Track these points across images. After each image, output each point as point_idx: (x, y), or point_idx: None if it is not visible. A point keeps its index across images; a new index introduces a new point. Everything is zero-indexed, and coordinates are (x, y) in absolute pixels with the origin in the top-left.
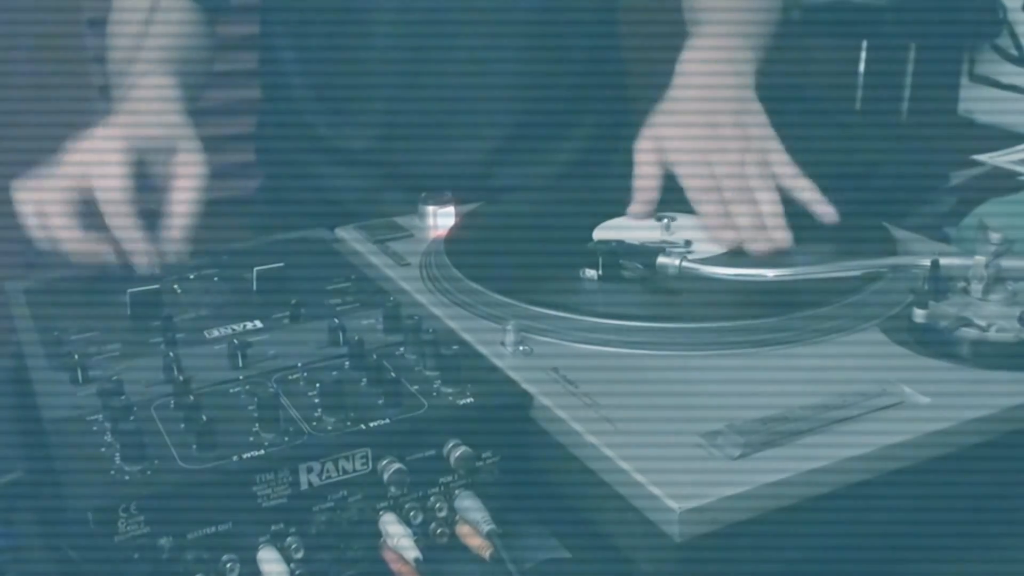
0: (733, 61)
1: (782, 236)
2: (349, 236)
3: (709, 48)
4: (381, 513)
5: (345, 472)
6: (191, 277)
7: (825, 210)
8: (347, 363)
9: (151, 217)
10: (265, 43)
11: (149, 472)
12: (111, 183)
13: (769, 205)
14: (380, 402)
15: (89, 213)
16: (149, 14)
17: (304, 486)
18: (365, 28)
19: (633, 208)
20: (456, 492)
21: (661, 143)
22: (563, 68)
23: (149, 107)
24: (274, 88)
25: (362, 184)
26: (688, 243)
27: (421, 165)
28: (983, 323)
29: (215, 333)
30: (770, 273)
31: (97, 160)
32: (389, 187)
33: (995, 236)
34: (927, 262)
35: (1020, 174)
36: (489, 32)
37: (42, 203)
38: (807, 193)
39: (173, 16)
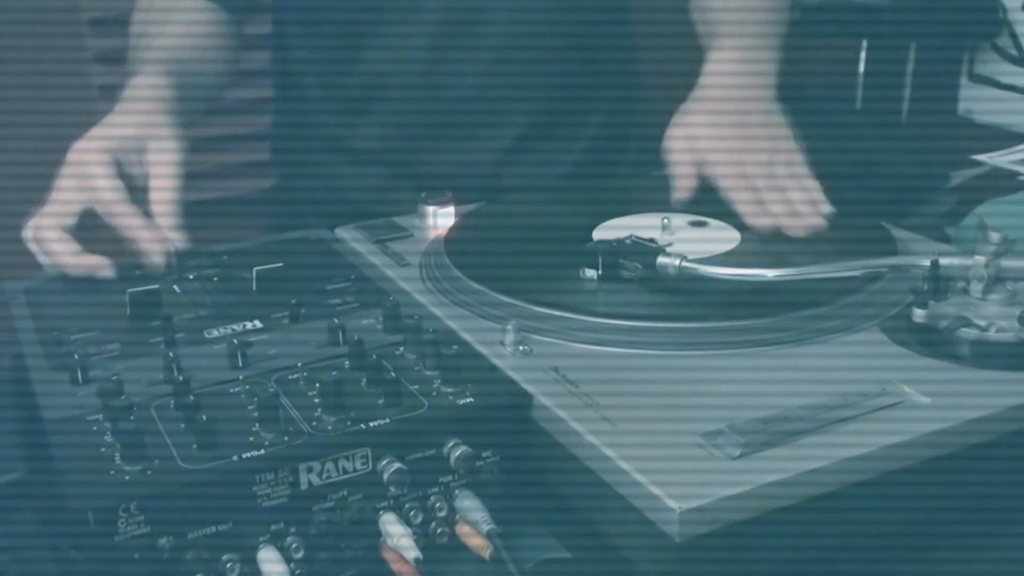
0: (758, 62)
1: (818, 220)
2: (349, 236)
3: (738, 49)
4: (381, 513)
5: (345, 472)
6: (191, 277)
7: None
8: (347, 363)
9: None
10: (278, 43)
11: (149, 472)
12: (103, 189)
13: (798, 193)
14: (380, 402)
15: (87, 226)
16: (161, 13)
17: (304, 486)
18: (378, 28)
19: (676, 197)
20: (456, 492)
21: (695, 142)
22: (575, 68)
23: (126, 115)
24: (287, 88)
25: (375, 184)
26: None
27: (434, 165)
28: (983, 323)
29: (215, 333)
30: (770, 273)
31: (83, 174)
32: (402, 187)
33: (995, 236)
34: (927, 262)
35: (1020, 174)
36: (502, 32)
37: (40, 229)
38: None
39: (187, 15)
